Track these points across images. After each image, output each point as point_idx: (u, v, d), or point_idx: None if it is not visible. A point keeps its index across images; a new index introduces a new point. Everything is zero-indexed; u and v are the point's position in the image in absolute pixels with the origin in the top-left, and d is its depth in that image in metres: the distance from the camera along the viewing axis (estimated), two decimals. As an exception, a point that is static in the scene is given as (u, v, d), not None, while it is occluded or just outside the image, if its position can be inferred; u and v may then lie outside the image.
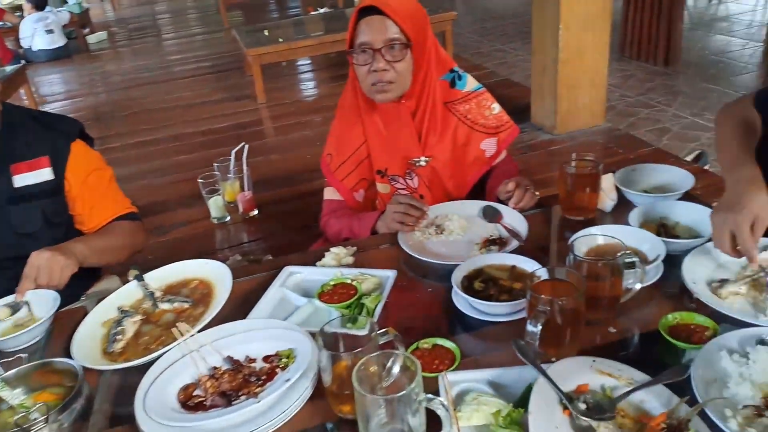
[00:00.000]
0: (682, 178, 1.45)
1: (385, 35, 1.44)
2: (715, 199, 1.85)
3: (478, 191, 1.69)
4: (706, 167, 2.63)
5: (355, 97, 1.60)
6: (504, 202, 1.51)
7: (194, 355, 1.08)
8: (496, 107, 1.66)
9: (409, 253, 1.35)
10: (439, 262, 1.31)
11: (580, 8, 2.81)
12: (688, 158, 2.73)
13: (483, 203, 1.52)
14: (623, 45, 4.46)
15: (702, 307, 1.09)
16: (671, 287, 1.17)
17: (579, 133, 3.09)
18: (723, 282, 1.14)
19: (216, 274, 1.32)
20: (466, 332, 1.14)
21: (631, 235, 1.24)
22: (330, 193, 1.69)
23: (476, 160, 1.65)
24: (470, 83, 1.64)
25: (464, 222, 1.47)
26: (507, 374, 0.97)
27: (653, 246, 1.21)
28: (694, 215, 1.33)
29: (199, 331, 1.14)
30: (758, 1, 5.79)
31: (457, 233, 1.43)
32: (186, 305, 1.26)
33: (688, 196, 1.42)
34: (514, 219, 1.43)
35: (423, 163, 1.60)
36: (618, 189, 1.45)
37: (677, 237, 1.29)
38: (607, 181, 1.44)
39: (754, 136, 1.32)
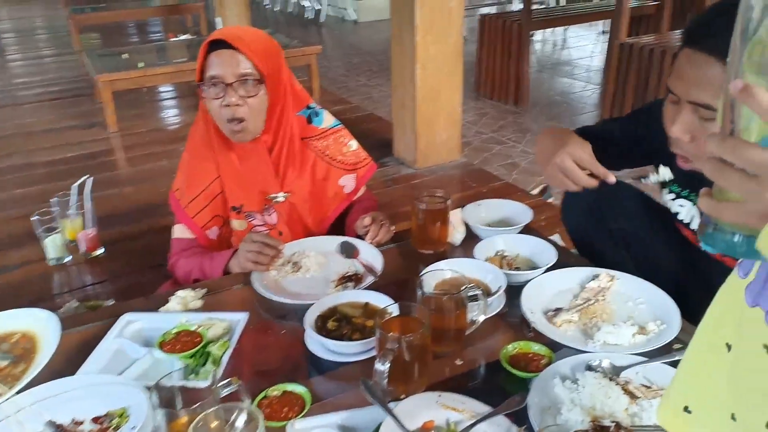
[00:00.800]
0: (522, 212, 1.55)
1: (237, 70, 1.41)
2: (557, 230, 2.01)
3: (338, 227, 1.69)
4: (549, 200, 2.86)
5: (207, 130, 1.55)
6: (362, 238, 1.52)
7: (11, 420, 0.95)
8: (354, 144, 1.69)
9: (261, 293, 1.31)
10: (292, 301, 1.28)
11: (434, 49, 2.97)
12: (534, 191, 2.96)
13: (341, 239, 1.52)
14: (478, 85, 4.78)
15: (540, 336, 1.16)
16: (513, 317, 1.24)
17: (438, 167, 3.24)
18: (557, 311, 1.22)
19: (42, 326, 1.19)
20: (321, 374, 1.11)
21: (476, 268, 1.31)
22: (180, 231, 1.60)
23: (336, 195, 1.65)
24: (327, 120, 1.66)
25: (322, 258, 1.45)
26: (357, 416, 0.95)
27: (495, 278, 1.28)
28: (533, 247, 1.42)
29: (18, 392, 1.01)
30: (595, 48, 6.49)
31: (314, 270, 1.41)
32: (5, 363, 1.11)
33: (527, 229, 1.52)
34: (370, 254, 1.44)
35: (281, 199, 1.58)
36: (466, 223, 1.52)
37: (518, 268, 1.37)
38: (456, 216, 1.50)
39: None
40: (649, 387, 1.02)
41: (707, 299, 1.42)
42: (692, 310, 1.20)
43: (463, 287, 1.13)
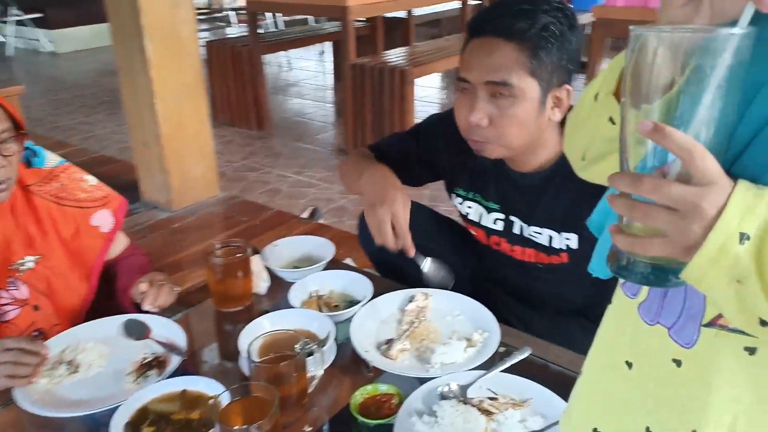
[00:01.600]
0: (322, 246, 1.48)
1: None
2: (340, 252, 1.98)
3: (109, 298, 1.41)
4: (321, 221, 2.85)
5: None
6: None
7: None
8: (91, 178, 1.47)
9: (33, 412, 1.00)
10: (80, 413, 1.01)
11: (173, 80, 2.73)
12: (304, 215, 2.92)
13: (123, 318, 1.25)
14: (216, 112, 4.58)
15: (381, 374, 1.11)
16: (345, 358, 1.16)
17: (197, 206, 2.98)
18: (389, 342, 1.18)
19: None
20: (144, 495, 0.89)
21: (298, 318, 1.20)
22: None
23: (94, 239, 1.40)
24: (51, 158, 1.42)
25: (103, 348, 1.18)
26: None
27: (322, 324, 1.18)
28: (344, 281, 1.37)
29: None
30: (317, 68, 6.76)
31: (98, 365, 1.14)
32: None
33: (333, 263, 1.45)
34: (166, 328, 1.22)
35: (31, 265, 1.29)
36: (268, 268, 1.40)
37: (336, 306, 1.30)
38: (256, 263, 1.37)
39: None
40: (495, 398, 1.04)
41: (501, 293, 1.52)
42: (492, 307, 1.28)
43: (298, 345, 1.01)
